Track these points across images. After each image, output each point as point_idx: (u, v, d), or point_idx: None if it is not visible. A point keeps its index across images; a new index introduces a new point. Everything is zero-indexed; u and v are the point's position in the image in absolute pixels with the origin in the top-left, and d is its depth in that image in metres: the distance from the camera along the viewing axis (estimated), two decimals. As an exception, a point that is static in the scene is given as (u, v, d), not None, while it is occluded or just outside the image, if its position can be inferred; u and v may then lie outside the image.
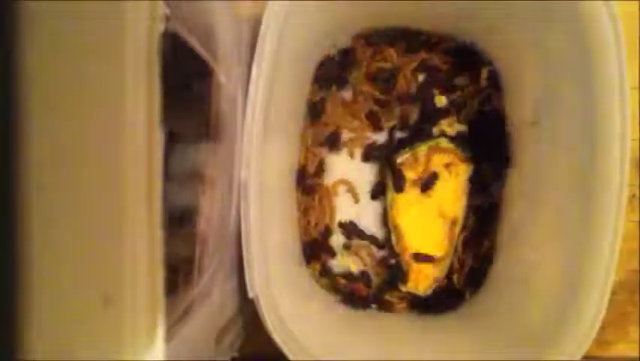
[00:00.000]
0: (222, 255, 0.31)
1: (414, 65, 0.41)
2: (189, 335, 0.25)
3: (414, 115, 0.42)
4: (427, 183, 0.40)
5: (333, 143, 0.41)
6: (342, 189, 0.42)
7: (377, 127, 0.42)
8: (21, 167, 0.15)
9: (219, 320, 0.31)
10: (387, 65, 0.41)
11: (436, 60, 0.41)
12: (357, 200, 0.42)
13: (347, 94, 0.42)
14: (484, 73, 0.40)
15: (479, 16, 0.37)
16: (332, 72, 0.41)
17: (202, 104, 0.28)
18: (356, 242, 0.42)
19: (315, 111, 0.41)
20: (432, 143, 0.40)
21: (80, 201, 0.16)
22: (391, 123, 0.42)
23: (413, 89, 0.41)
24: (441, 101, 0.41)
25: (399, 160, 0.40)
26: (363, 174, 0.42)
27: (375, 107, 0.42)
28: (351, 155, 0.42)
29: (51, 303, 0.16)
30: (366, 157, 0.42)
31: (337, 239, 0.42)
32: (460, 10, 0.37)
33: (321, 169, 0.41)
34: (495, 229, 0.40)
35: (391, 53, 0.41)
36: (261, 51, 0.31)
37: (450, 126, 0.41)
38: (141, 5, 0.17)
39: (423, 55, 0.41)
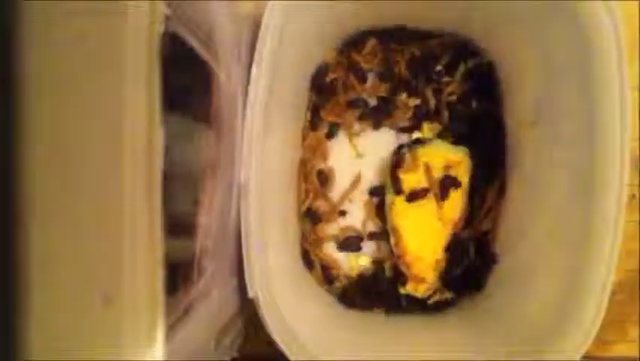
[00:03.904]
0: (222, 255, 0.31)
1: (411, 64, 0.41)
2: (189, 335, 0.25)
3: (407, 116, 0.42)
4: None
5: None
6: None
7: (375, 128, 0.42)
8: (21, 167, 0.15)
9: (219, 320, 0.31)
10: (386, 66, 0.41)
11: (433, 60, 0.41)
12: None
13: (346, 95, 0.42)
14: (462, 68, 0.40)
15: (479, 15, 0.37)
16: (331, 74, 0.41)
17: (202, 104, 0.28)
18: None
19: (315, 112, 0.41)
20: (431, 145, 0.40)
21: (80, 201, 0.16)
22: (389, 125, 0.42)
23: (411, 90, 0.41)
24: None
25: (398, 162, 0.40)
26: (364, 173, 0.42)
27: (374, 108, 0.42)
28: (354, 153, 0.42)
29: (51, 303, 0.16)
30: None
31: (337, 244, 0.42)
32: (459, 10, 0.37)
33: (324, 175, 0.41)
34: (495, 230, 0.40)
35: (390, 53, 0.41)
36: (260, 51, 0.31)
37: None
38: (141, 5, 0.17)
39: (420, 55, 0.41)
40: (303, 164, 0.41)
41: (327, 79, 0.41)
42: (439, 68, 0.41)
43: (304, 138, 0.41)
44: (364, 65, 0.41)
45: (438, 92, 0.41)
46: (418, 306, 0.40)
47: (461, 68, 0.41)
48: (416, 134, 0.42)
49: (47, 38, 0.15)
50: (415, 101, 0.42)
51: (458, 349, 0.35)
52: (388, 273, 0.41)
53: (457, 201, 0.40)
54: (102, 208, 0.16)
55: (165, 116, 0.17)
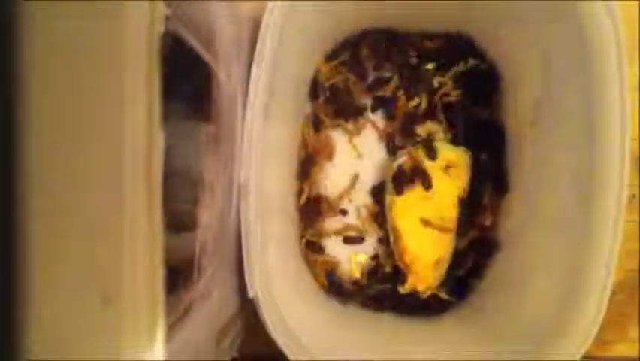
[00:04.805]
0: (222, 255, 0.30)
1: (411, 64, 0.41)
2: (189, 335, 0.25)
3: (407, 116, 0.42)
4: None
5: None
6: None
7: (376, 130, 0.42)
8: (21, 167, 0.15)
9: (219, 320, 0.31)
10: (386, 66, 0.41)
11: (433, 60, 0.41)
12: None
13: (346, 95, 0.42)
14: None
15: (479, 16, 0.37)
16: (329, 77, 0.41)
17: (202, 105, 0.28)
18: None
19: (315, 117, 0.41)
20: (430, 145, 0.40)
21: (80, 201, 0.16)
22: (389, 125, 0.42)
23: (412, 91, 0.42)
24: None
25: (397, 163, 0.40)
26: (364, 173, 0.42)
27: (374, 108, 0.42)
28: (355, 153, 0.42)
29: (51, 303, 0.16)
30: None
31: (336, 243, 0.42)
32: (459, 10, 0.37)
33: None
34: (495, 230, 0.40)
35: (390, 53, 0.41)
36: (260, 51, 0.31)
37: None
38: (141, 5, 0.17)
39: (421, 55, 0.41)
40: (303, 164, 0.41)
41: (327, 79, 0.41)
42: (438, 67, 0.41)
43: (304, 138, 0.41)
44: (364, 65, 0.41)
45: (438, 93, 0.41)
46: (419, 306, 0.40)
47: (459, 68, 0.41)
48: (416, 135, 0.42)
49: (47, 38, 0.15)
50: (414, 102, 0.42)
51: (458, 349, 0.35)
52: (388, 272, 0.41)
53: (457, 200, 0.40)
54: (102, 208, 0.16)
55: (165, 116, 0.17)
